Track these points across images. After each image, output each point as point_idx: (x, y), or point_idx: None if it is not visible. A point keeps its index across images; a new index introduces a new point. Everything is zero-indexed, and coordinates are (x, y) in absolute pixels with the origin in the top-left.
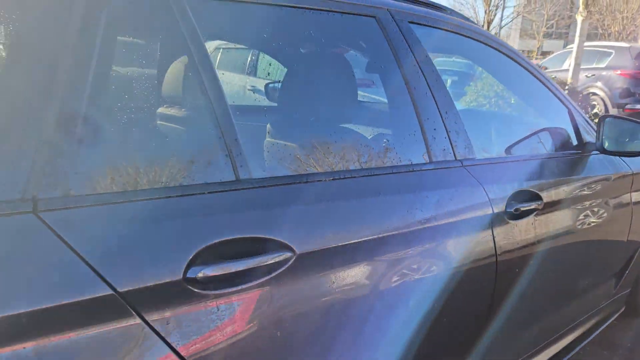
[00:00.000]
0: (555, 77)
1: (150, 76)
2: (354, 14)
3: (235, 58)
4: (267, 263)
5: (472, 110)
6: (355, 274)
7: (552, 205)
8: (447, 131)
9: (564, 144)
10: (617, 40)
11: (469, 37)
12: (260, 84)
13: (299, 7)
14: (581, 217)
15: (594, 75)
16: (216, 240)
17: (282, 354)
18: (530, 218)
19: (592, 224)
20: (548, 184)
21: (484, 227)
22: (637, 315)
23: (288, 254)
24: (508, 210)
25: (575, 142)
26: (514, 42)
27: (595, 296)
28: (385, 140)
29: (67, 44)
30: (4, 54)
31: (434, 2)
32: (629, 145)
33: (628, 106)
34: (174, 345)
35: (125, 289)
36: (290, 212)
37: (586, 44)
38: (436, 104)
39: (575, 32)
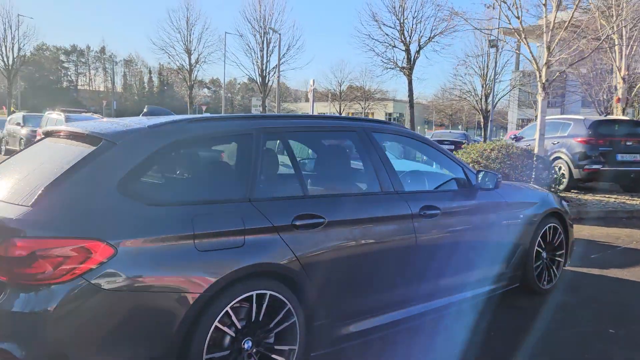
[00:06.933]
0: (529, 145)
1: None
2: (347, 130)
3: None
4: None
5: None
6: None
7: (449, 214)
8: (392, 183)
9: (461, 184)
10: None
11: (398, 134)
12: None
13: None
14: (471, 222)
15: (558, 142)
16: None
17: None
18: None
19: (481, 228)
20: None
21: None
22: (530, 289)
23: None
24: (426, 212)
25: (465, 184)
26: (514, 112)
27: (486, 270)
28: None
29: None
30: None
31: (383, 120)
32: (488, 185)
33: (586, 167)
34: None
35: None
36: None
37: (551, 116)
38: (383, 168)
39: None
